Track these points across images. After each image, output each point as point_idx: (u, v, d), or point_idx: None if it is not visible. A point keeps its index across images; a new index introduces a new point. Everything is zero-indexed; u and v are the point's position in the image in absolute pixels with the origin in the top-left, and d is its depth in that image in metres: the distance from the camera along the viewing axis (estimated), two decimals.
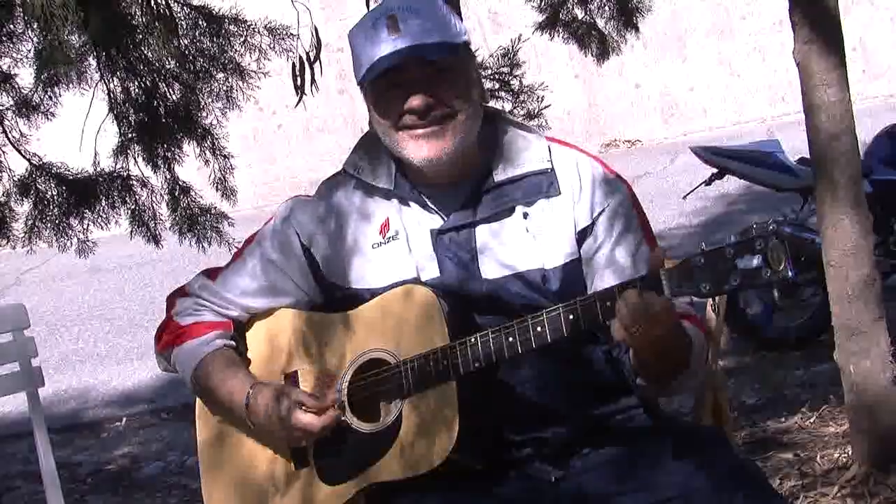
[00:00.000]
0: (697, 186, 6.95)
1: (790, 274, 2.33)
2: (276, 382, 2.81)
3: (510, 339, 2.58)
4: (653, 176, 11.52)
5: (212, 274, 2.95)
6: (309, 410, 2.71)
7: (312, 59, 4.81)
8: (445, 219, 2.75)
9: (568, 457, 2.72)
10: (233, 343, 2.90)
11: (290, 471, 2.82)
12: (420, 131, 2.68)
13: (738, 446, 4.72)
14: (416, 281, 2.71)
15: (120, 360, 8.53)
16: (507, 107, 5.44)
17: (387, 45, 2.64)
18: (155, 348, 2.97)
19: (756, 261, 2.35)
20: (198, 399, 2.96)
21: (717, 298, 2.94)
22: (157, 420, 7.19)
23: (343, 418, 2.72)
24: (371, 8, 2.77)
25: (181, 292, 2.96)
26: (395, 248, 2.75)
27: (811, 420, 5.11)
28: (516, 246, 2.72)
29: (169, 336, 2.91)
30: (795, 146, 6.73)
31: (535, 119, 5.46)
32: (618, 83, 13.58)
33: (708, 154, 6.73)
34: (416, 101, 2.66)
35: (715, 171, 6.73)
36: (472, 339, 2.61)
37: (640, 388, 2.72)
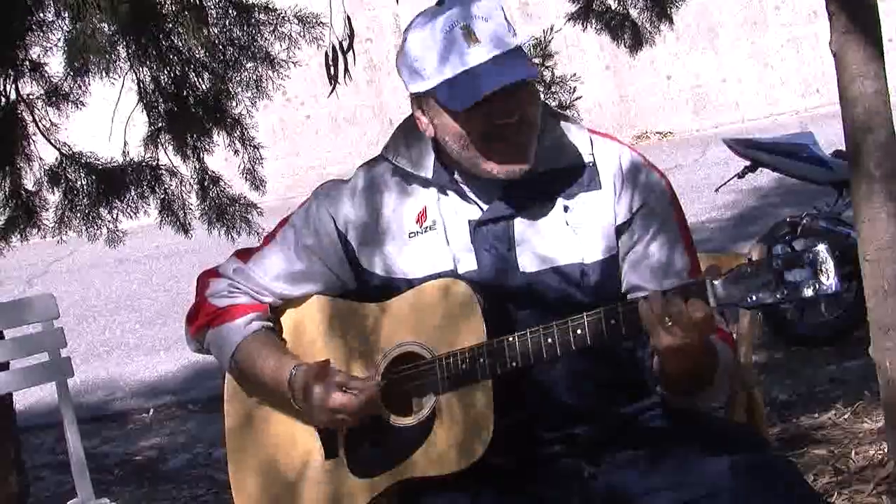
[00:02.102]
0: (730, 179, 6.92)
1: (836, 288, 2.31)
2: (317, 364, 2.78)
3: (549, 339, 2.55)
4: (684, 169, 11.47)
5: (244, 256, 2.91)
6: (349, 391, 2.68)
7: (346, 48, 4.77)
8: (484, 209, 2.71)
9: (598, 454, 2.69)
10: (270, 325, 2.87)
11: (320, 461, 2.80)
12: (509, 147, 2.63)
13: (772, 442, 4.68)
14: (453, 273, 2.68)
15: (147, 352, 8.55)
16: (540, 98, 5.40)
17: (470, 57, 2.58)
18: (187, 329, 2.94)
19: (804, 274, 2.33)
20: (227, 383, 2.94)
21: None
22: (184, 412, 7.20)
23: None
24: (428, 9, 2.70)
25: (213, 273, 2.93)
26: (432, 238, 2.72)
27: (845, 416, 5.07)
28: (555, 239, 2.68)
29: (204, 318, 2.88)
30: (829, 139, 6.69)
31: (567, 110, 5.44)
32: (649, 75, 13.52)
33: (741, 147, 6.70)
34: (511, 119, 2.60)
35: (748, 163, 6.70)
36: (511, 339, 2.58)
37: (660, 396, 2.69)
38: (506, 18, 2.65)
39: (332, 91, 4.81)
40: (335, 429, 2.77)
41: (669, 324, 2.43)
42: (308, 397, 2.72)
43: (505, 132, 2.60)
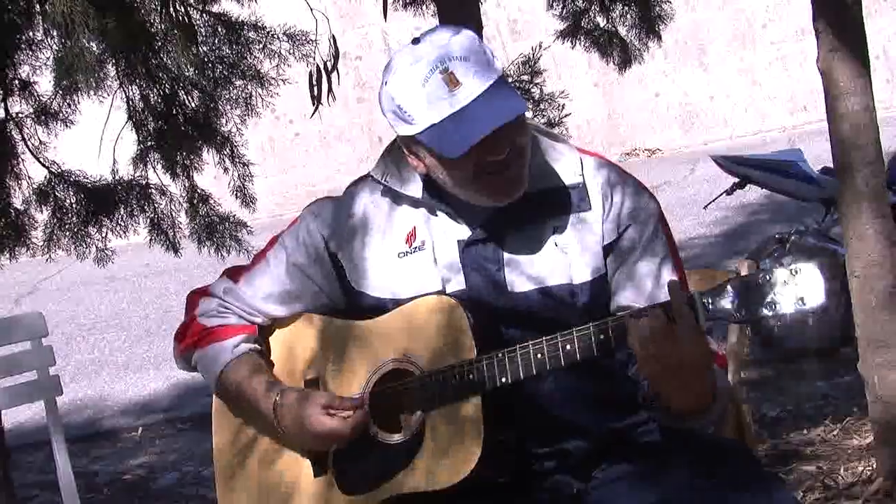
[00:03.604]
0: (718, 196, 6.93)
1: (824, 304, 2.31)
2: (302, 388, 2.78)
3: (539, 356, 2.55)
4: (673, 185, 11.48)
5: (234, 275, 2.91)
6: (335, 414, 2.68)
7: (330, 68, 4.78)
8: (473, 230, 2.71)
9: (590, 469, 2.70)
10: (258, 347, 2.87)
11: (308, 479, 2.78)
12: (501, 181, 2.62)
13: (761, 459, 4.68)
14: (442, 293, 2.68)
15: (136, 370, 8.53)
16: (528, 115, 5.40)
17: (452, 101, 2.55)
18: (176, 348, 2.93)
19: (792, 290, 2.34)
20: (215, 402, 2.93)
21: None
22: (174, 430, 7.18)
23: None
24: (405, 50, 2.67)
25: (204, 292, 2.92)
26: (420, 259, 2.72)
27: (834, 433, 5.08)
28: (545, 260, 2.68)
29: (192, 337, 2.88)
30: (817, 155, 6.71)
31: (556, 128, 5.44)
32: (638, 92, 13.54)
33: (729, 163, 6.71)
34: (502, 156, 2.59)
35: (736, 180, 6.71)
36: (500, 355, 2.58)
37: (654, 413, 2.68)
38: (484, 50, 2.62)
39: (314, 111, 4.82)
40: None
41: (652, 348, 2.43)
42: (295, 421, 2.72)
43: (496, 167, 2.60)
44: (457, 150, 2.55)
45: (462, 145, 2.54)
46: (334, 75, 4.89)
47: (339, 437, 2.69)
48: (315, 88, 4.84)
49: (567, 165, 2.73)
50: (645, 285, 2.69)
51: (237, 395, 2.83)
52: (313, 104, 4.88)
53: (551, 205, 2.71)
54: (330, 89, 4.87)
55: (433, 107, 2.56)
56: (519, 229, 2.70)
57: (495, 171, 2.60)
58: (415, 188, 2.75)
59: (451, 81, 2.56)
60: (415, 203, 2.76)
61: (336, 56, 4.91)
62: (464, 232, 2.71)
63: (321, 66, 4.81)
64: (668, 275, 2.69)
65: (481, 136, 2.53)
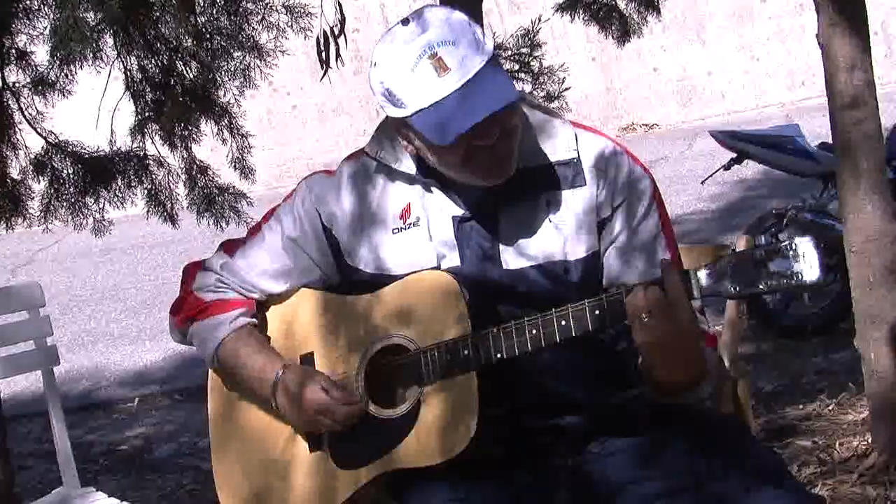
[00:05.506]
0: (716, 171, 6.93)
1: (820, 279, 2.31)
2: (304, 367, 2.79)
3: (534, 331, 2.54)
4: (670, 160, 11.48)
5: (230, 248, 2.91)
6: (332, 402, 2.69)
7: (337, 33, 4.76)
8: (468, 206, 2.70)
9: (585, 444, 2.70)
10: (255, 322, 2.87)
11: (303, 453, 2.79)
12: (490, 162, 2.60)
13: (757, 433, 4.69)
14: (437, 269, 2.68)
15: (132, 341, 8.54)
16: (527, 88, 5.40)
17: (441, 88, 2.52)
18: (171, 321, 2.93)
19: (788, 265, 2.33)
20: (210, 374, 2.94)
21: None
22: (170, 401, 7.20)
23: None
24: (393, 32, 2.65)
25: (200, 266, 2.92)
26: (415, 235, 2.71)
27: (830, 408, 5.09)
28: (539, 236, 2.67)
29: (190, 311, 2.88)
30: (815, 131, 6.72)
31: (555, 101, 5.43)
32: (636, 67, 13.53)
33: (727, 138, 6.71)
34: (490, 141, 2.57)
35: (734, 155, 6.72)
36: (495, 330, 2.57)
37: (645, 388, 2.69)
38: (474, 32, 2.59)
39: (323, 75, 4.81)
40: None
41: (647, 317, 2.43)
42: (291, 399, 2.73)
43: (485, 149, 2.59)
44: (445, 137, 2.54)
45: (450, 133, 2.53)
46: (341, 40, 4.88)
47: (331, 425, 2.71)
48: (323, 53, 4.82)
49: (562, 141, 2.72)
50: (637, 261, 2.68)
51: (234, 368, 2.84)
52: (322, 68, 4.87)
53: (546, 181, 2.70)
54: (338, 54, 4.85)
55: (422, 93, 2.54)
56: (514, 206, 2.69)
57: (484, 153, 2.59)
58: (409, 164, 2.74)
59: (441, 67, 2.53)
60: (409, 179, 2.75)
61: (342, 21, 4.89)
62: (458, 208, 2.70)
63: (328, 31, 4.79)
64: (661, 251, 2.69)
65: (470, 126, 2.51)
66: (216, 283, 2.88)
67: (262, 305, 2.90)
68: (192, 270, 2.93)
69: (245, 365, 2.81)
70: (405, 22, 2.61)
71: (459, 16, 2.62)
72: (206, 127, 5.13)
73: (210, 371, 2.94)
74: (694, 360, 2.55)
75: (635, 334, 2.47)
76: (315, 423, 2.73)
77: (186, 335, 2.91)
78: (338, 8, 4.80)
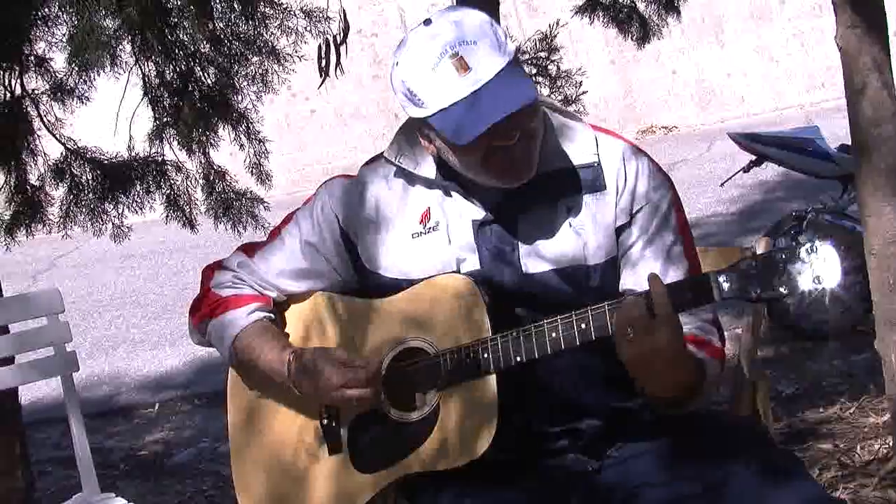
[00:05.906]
0: (735, 174, 6.90)
1: (840, 282, 2.31)
2: (318, 347, 2.79)
3: (553, 334, 2.55)
4: (689, 163, 11.45)
5: (249, 250, 2.92)
6: (350, 367, 2.68)
7: (339, 41, 4.77)
8: (488, 210, 2.70)
9: (604, 448, 2.70)
10: (272, 316, 2.88)
11: (323, 456, 2.79)
12: (510, 163, 2.61)
13: (777, 437, 4.68)
14: (456, 272, 2.68)
15: (153, 346, 8.55)
16: (545, 92, 5.40)
17: (461, 87, 2.53)
18: (190, 321, 2.95)
19: (808, 268, 2.33)
20: (230, 379, 2.95)
21: None
22: (190, 406, 7.20)
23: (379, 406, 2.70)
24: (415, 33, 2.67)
25: (218, 266, 2.94)
26: (434, 239, 2.71)
27: (850, 411, 5.07)
28: (559, 241, 2.67)
29: (207, 307, 2.89)
30: (834, 133, 6.68)
31: (573, 105, 5.42)
32: (654, 69, 13.50)
33: (746, 141, 6.69)
34: (511, 142, 2.58)
35: (753, 158, 6.69)
36: (515, 333, 2.58)
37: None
38: (496, 33, 2.60)
39: (321, 84, 4.82)
40: (338, 425, 2.77)
41: (631, 332, 2.44)
42: (311, 375, 2.72)
43: (505, 150, 2.59)
44: (465, 137, 2.54)
45: (470, 133, 2.53)
46: (343, 49, 4.88)
47: (357, 396, 2.68)
48: (323, 61, 4.83)
49: (582, 144, 2.72)
50: (653, 268, 2.67)
51: (250, 359, 2.84)
52: (320, 76, 4.88)
53: (566, 185, 2.69)
54: (338, 63, 4.86)
55: (443, 92, 2.55)
56: (533, 210, 2.69)
57: (504, 155, 2.59)
58: (428, 169, 2.75)
59: (462, 67, 2.54)
60: (429, 184, 2.75)
61: (346, 29, 4.90)
62: (478, 212, 2.71)
63: (330, 39, 4.80)
64: (678, 258, 2.69)
65: (490, 125, 2.52)
66: (233, 279, 2.89)
67: (279, 308, 2.91)
68: (210, 271, 2.95)
69: (261, 357, 2.81)
70: (427, 22, 2.61)
71: (481, 16, 2.62)
72: (224, 132, 5.13)
73: (229, 376, 2.95)
74: (683, 375, 2.54)
75: (619, 349, 2.47)
76: (339, 396, 2.71)
77: (205, 333, 2.91)
78: (342, 16, 4.81)
